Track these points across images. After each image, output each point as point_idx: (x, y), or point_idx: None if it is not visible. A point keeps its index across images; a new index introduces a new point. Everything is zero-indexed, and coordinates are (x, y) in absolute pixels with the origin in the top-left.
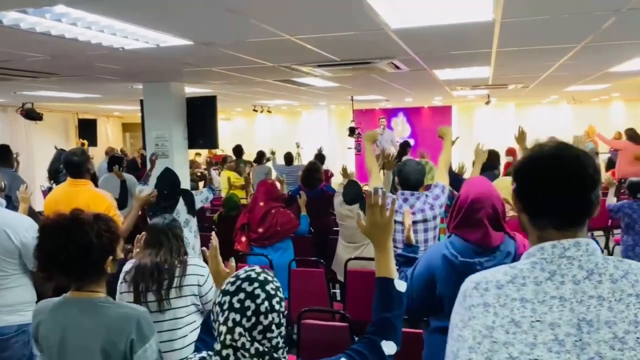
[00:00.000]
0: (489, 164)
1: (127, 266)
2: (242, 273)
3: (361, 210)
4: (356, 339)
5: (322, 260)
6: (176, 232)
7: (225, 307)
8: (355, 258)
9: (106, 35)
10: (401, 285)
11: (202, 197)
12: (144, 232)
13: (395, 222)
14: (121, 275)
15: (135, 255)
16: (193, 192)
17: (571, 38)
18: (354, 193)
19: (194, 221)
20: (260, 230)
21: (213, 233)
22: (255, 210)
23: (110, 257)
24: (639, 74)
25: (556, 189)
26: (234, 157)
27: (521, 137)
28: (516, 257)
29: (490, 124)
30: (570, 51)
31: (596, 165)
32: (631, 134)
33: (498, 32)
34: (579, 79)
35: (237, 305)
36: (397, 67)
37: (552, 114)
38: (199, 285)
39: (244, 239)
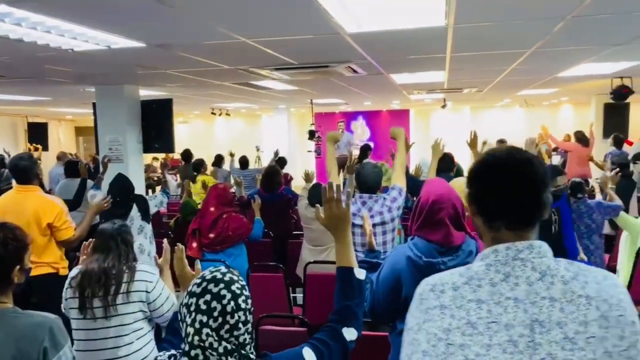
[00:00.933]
0: (444, 167)
1: (74, 271)
2: (207, 274)
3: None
4: None
5: (281, 265)
6: (126, 238)
7: (192, 308)
8: (320, 261)
9: (53, 36)
10: (361, 274)
11: (156, 202)
12: (91, 239)
13: (355, 225)
14: (67, 281)
15: (82, 261)
16: (147, 196)
17: (522, 44)
18: (320, 195)
19: (148, 227)
20: (212, 235)
21: (165, 240)
22: (206, 215)
23: (18, 267)
24: (585, 78)
25: (509, 190)
26: (209, 162)
27: (474, 141)
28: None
29: (446, 127)
30: (521, 56)
31: (546, 168)
32: (579, 137)
33: (451, 37)
34: (530, 83)
35: (203, 306)
36: (355, 71)
37: (505, 117)
38: (147, 291)
39: (194, 244)
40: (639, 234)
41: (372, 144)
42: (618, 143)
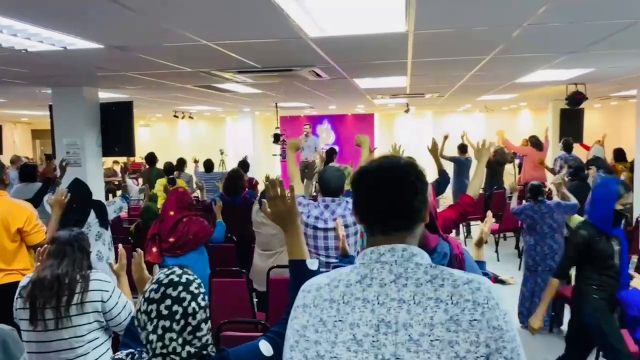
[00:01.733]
0: None
1: (24, 280)
2: (163, 278)
3: None
4: None
5: (243, 270)
6: (82, 245)
7: (153, 315)
8: (277, 266)
9: (6, 36)
10: (313, 264)
11: (114, 207)
12: (46, 245)
13: (318, 229)
14: (17, 290)
15: (35, 268)
16: (105, 202)
17: (480, 50)
18: None
19: (107, 233)
20: (172, 239)
21: (120, 245)
22: (165, 219)
23: None
24: (542, 85)
25: (378, 196)
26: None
27: (434, 148)
28: (452, 258)
29: (410, 132)
30: (480, 62)
31: (419, 174)
32: (534, 141)
33: (412, 43)
34: (489, 89)
35: (165, 312)
36: (319, 75)
37: (466, 121)
38: (102, 301)
39: (154, 249)
40: None
41: (337, 148)
42: (568, 147)
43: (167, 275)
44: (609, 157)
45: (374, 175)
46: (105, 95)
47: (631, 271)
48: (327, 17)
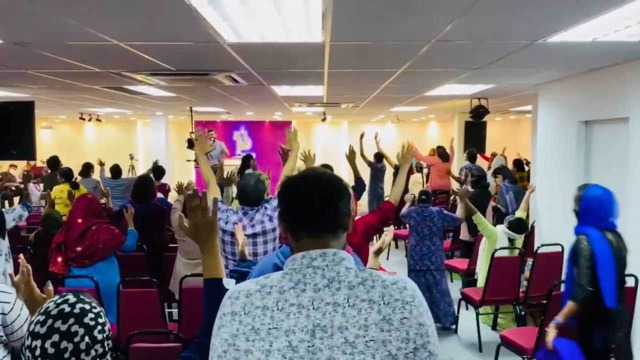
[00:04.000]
0: None
1: None
2: (52, 307)
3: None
4: None
5: (155, 280)
6: None
7: (38, 353)
8: (197, 274)
9: None
10: (230, 283)
11: (14, 216)
12: None
13: (247, 237)
14: None
15: None
16: (4, 210)
17: (393, 64)
18: None
19: (4, 243)
20: (79, 248)
21: (21, 255)
22: (72, 227)
23: None
24: (449, 98)
25: (307, 199)
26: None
27: (351, 156)
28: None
29: (327, 140)
30: (392, 75)
31: (343, 182)
32: (440, 152)
33: (328, 53)
34: (401, 100)
35: (51, 350)
36: (236, 81)
37: (380, 131)
38: (3, 314)
39: (60, 259)
40: (496, 241)
41: (254, 155)
42: (472, 157)
43: (57, 305)
44: (510, 167)
45: (304, 182)
46: (3, 93)
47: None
48: (245, 24)
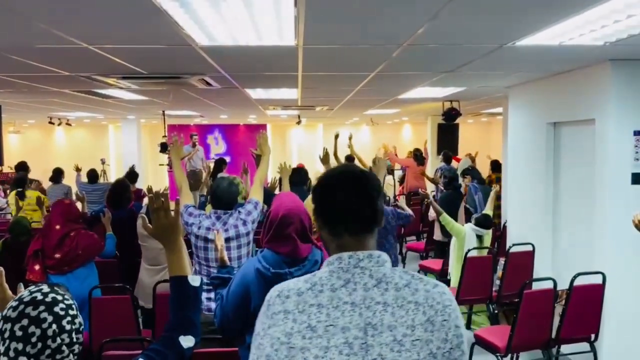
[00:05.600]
0: (298, 180)
1: None
2: (26, 295)
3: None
4: None
5: (128, 286)
6: None
7: (6, 335)
8: (164, 281)
9: None
10: (195, 280)
11: None
12: None
13: (209, 240)
14: None
15: None
16: None
17: (365, 67)
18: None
19: None
20: (58, 255)
21: None
22: (50, 234)
23: None
24: (421, 101)
25: (349, 199)
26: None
27: (326, 158)
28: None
29: (302, 143)
30: (365, 78)
31: (377, 180)
32: (417, 155)
33: (301, 56)
34: (375, 103)
35: (19, 333)
36: (209, 84)
37: (354, 133)
38: None
39: (37, 267)
40: (464, 239)
41: (227, 158)
42: (447, 159)
43: (31, 293)
44: (485, 169)
45: (343, 180)
46: None
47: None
48: (216, 27)
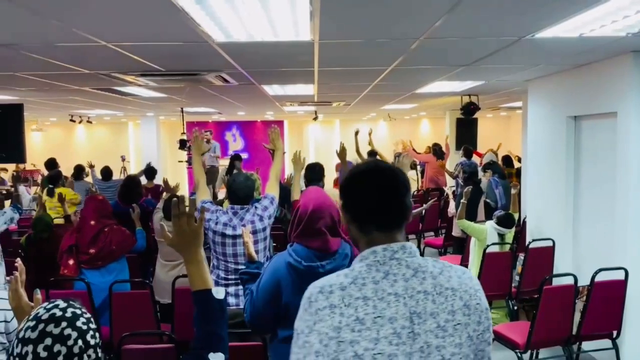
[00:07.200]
0: (315, 177)
1: None
2: (42, 312)
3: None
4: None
5: (147, 281)
6: None
7: (29, 358)
8: (182, 276)
9: None
10: (219, 293)
11: (5, 219)
12: None
13: (226, 236)
14: None
15: None
16: None
17: (382, 61)
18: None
19: None
20: (92, 251)
21: (18, 260)
22: (85, 229)
23: None
24: (439, 95)
25: (378, 194)
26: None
27: (342, 153)
28: (353, 258)
29: (319, 139)
30: (382, 73)
31: (405, 176)
32: (435, 149)
33: (317, 52)
34: (392, 98)
35: (44, 354)
36: (226, 81)
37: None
38: (5, 321)
39: (71, 262)
40: (486, 238)
41: (244, 155)
42: (468, 154)
43: (48, 310)
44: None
45: (372, 177)
46: None
47: None
48: (232, 23)
